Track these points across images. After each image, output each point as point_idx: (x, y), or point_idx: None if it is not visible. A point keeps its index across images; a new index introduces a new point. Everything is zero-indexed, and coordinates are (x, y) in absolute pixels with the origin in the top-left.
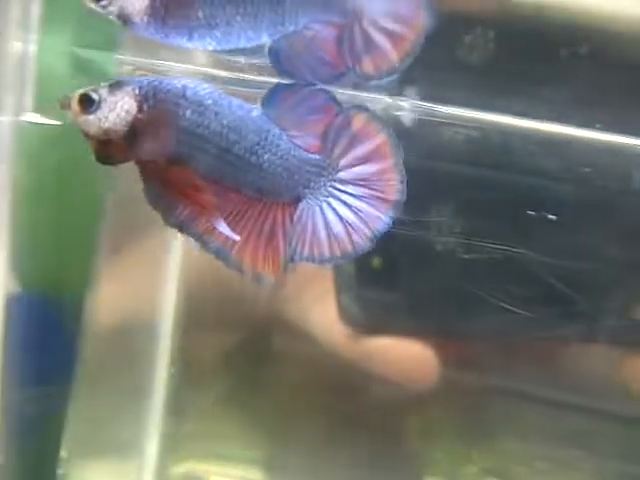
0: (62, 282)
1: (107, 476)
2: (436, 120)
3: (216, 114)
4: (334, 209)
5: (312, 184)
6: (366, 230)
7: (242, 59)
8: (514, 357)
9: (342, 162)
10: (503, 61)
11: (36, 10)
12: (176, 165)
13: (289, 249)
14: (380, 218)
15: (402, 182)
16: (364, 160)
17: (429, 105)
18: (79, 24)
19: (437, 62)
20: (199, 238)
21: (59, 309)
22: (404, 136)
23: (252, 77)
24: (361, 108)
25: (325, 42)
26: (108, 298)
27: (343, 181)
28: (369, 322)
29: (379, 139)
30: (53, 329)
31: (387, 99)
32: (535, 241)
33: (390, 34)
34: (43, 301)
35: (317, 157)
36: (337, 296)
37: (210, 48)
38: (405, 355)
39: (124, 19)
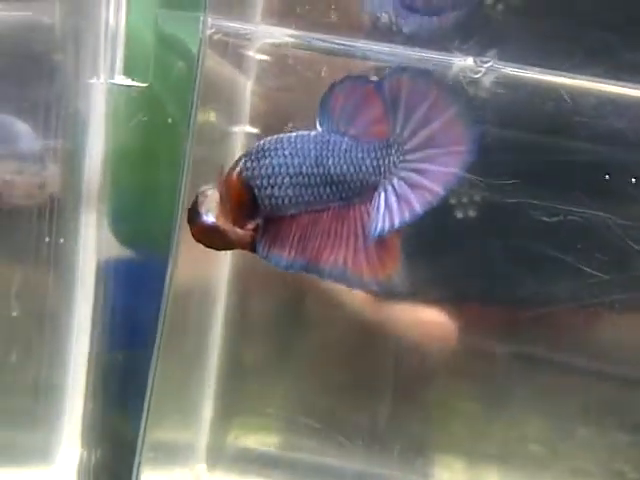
0: (148, 243)
1: (170, 433)
2: (514, 83)
3: (275, 150)
4: (406, 181)
5: (382, 168)
6: (437, 188)
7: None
8: (544, 325)
9: (406, 133)
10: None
11: None
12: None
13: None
14: (452, 173)
15: (469, 128)
16: (425, 121)
17: (508, 68)
18: None
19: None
20: (312, 270)
21: (146, 271)
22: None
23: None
24: (398, 70)
25: None
26: (184, 261)
27: (411, 151)
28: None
29: (431, 94)
30: (140, 291)
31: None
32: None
33: None
34: (132, 262)
35: (377, 142)
36: None
37: None
38: (424, 318)
39: None
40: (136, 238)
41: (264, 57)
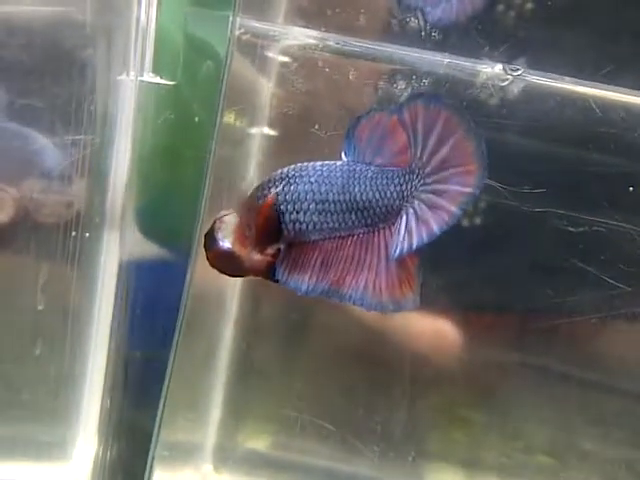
0: (172, 239)
1: (180, 433)
2: (542, 92)
3: (301, 177)
4: (426, 203)
5: (405, 193)
6: (453, 208)
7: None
8: (561, 335)
9: (424, 157)
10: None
11: None
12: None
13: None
14: (466, 193)
15: (478, 146)
16: (439, 144)
17: (537, 76)
18: None
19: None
20: (332, 294)
21: (167, 270)
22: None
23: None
24: (414, 97)
25: None
26: (201, 263)
27: (429, 174)
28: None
29: (441, 117)
30: (160, 290)
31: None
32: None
33: None
34: (154, 262)
35: (400, 169)
36: None
37: None
38: (429, 328)
39: None
40: (161, 234)
41: (289, 59)
